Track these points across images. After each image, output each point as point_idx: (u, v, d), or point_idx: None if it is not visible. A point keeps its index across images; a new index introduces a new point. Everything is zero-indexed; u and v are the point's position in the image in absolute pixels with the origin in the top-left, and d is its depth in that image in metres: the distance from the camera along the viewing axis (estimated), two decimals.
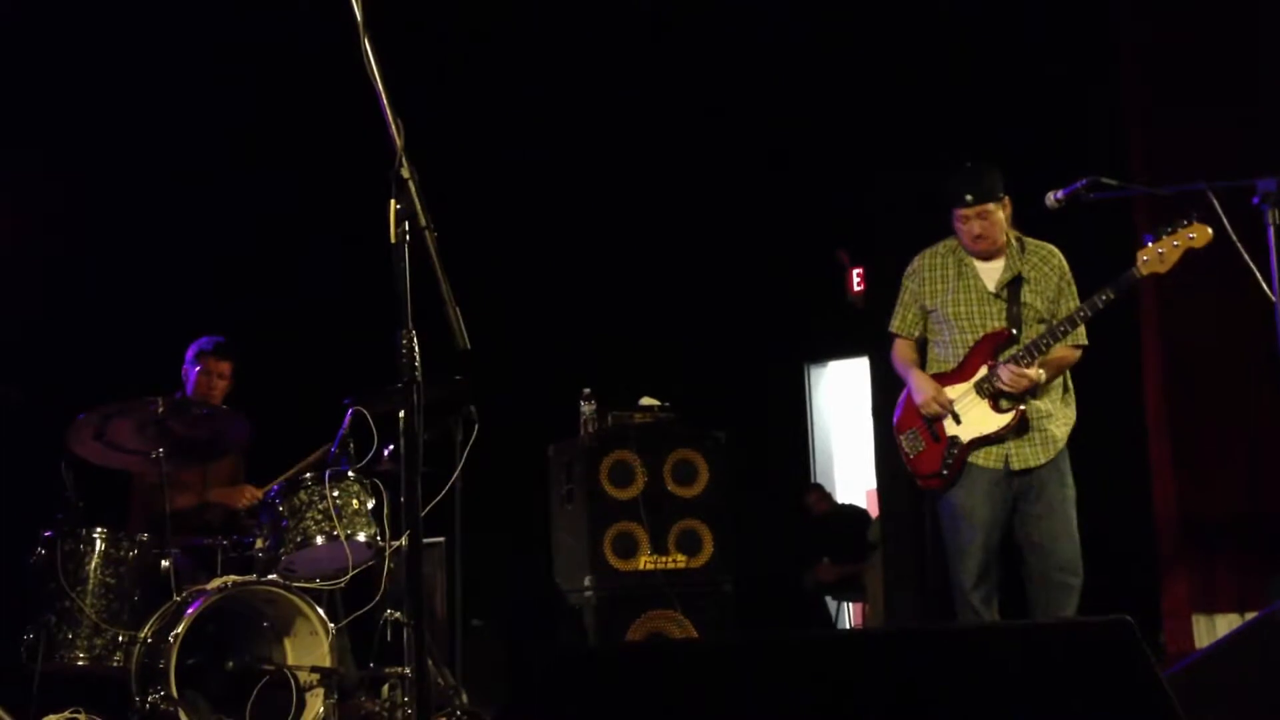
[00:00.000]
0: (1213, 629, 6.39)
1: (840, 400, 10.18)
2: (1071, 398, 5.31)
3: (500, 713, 2.84)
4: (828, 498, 9.42)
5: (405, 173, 2.90)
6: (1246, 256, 4.74)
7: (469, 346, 2.93)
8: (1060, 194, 5.07)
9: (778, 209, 8.84)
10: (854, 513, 9.24)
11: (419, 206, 2.90)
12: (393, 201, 2.90)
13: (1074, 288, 5.28)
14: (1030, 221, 5.54)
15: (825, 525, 9.15)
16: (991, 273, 5.27)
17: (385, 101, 2.92)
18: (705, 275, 8.89)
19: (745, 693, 2.49)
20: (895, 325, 5.46)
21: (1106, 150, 6.57)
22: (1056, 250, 5.33)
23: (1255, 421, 6.53)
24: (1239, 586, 6.41)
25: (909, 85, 7.67)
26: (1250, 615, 6.23)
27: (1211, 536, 6.52)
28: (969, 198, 5.18)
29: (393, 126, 2.92)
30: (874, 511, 8.85)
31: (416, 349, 2.96)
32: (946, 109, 7.45)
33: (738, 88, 8.53)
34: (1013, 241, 5.29)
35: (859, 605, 9.18)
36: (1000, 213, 5.22)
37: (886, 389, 7.56)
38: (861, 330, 8.41)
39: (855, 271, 9.03)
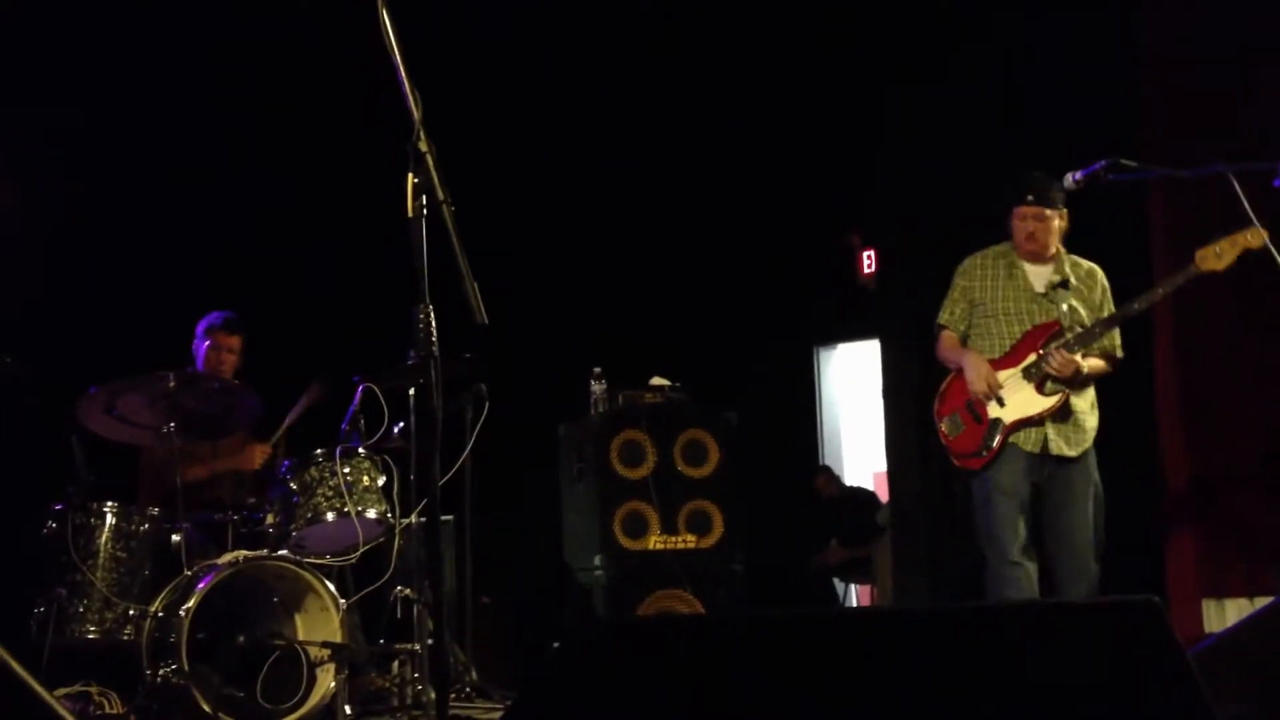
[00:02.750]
0: (1222, 614, 6.37)
1: (849, 383, 10.16)
2: (1097, 408, 5.55)
3: (521, 694, 2.81)
4: (836, 480, 9.41)
5: (423, 146, 2.87)
6: (1267, 240, 4.75)
7: (486, 322, 2.90)
8: (1079, 175, 5.14)
9: (790, 191, 8.81)
10: (862, 495, 9.23)
11: (437, 181, 2.88)
12: (410, 175, 2.88)
13: (1112, 304, 5.52)
14: None
15: (834, 508, 9.14)
16: (1039, 276, 5.54)
17: (403, 74, 2.89)
18: (716, 257, 8.86)
19: (782, 669, 2.48)
20: (944, 318, 5.71)
21: (1123, 137, 6.53)
22: (1098, 268, 5.60)
23: (1267, 405, 6.50)
24: (1248, 571, 6.38)
25: (920, 70, 7.64)
26: (1259, 600, 6.23)
27: (1221, 521, 6.49)
28: (1030, 197, 5.46)
29: (410, 99, 2.89)
30: (883, 494, 8.84)
31: (434, 324, 2.94)
32: (957, 97, 7.42)
33: (751, 70, 8.50)
34: (1062, 254, 5.55)
35: (866, 587, 9.17)
36: (1056, 221, 5.48)
37: (897, 371, 7.57)
38: (871, 312, 8.40)
39: (866, 254, 9.00)
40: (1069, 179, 5.16)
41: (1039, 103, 7.06)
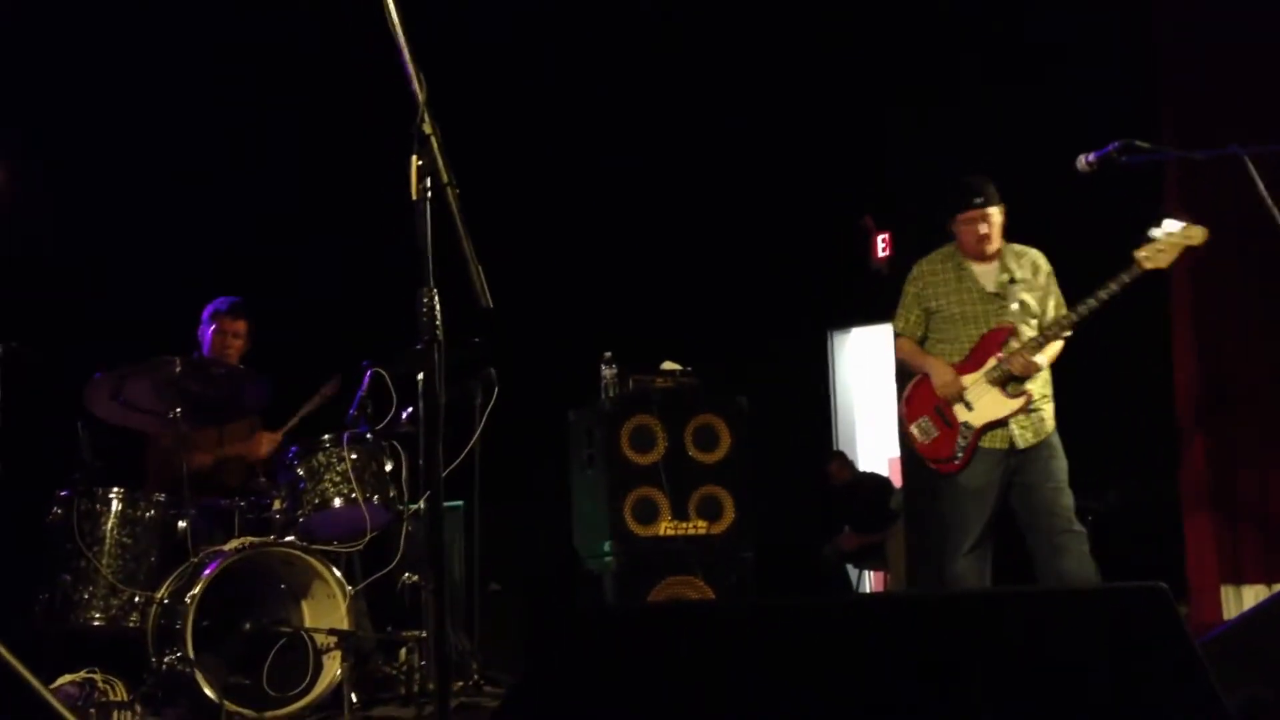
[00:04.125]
0: (1240, 600, 6.32)
1: (864, 367, 10.10)
2: (1050, 391, 5.67)
3: (520, 679, 2.78)
4: (849, 466, 9.35)
5: (427, 128, 2.81)
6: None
7: (492, 305, 2.85)
8: (1092, 157, 5.09)
9: (803, 174, 8.74)
10: (876, 481, 9.17)
11: (441, 162, 2.82)
12: (414, 157, 2.82)
13: (1056, 284, 5.69)
14: (1058, 191, 5.74)
15: (847, 494, 9.09)
16: (988, 275, 5.70)
17: (407, 55, 2.83)
18: (729, 240, 8.80)
19: (784, 656, 2.44)
20: (899, 326, 5.91)
21: (1138, 119, 6.47)
22: (1040, 253, 5.75)
23: None
24: (1267, 558, 6.33)
25: (932, 57, 7.58)
26: (1278, 587, 6.19)
27: (1239, 508, 6.44)
28: (979, 200, 5.64)
29: (414, 80, 2.83)
30: (898, 480, 8.78)
31: (438, 308, 2.88)
32: (969, 80, 7.36)
33: (763, 53, 8.43)
34: (1004, 248, 5.72)
35: (880, 574, 9.12)
36: (999, 217, 5.68)
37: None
38: (885, 297, 8.33)
39: (880, 237, 8.94)
40: (1082, 161, 5.09)
41: (1051, 85, 7.01)
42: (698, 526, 6.60)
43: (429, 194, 2.82)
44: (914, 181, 7.73)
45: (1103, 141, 5.06)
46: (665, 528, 6.56)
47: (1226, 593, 6.37)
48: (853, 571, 9.18)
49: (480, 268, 2.83)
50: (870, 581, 9.26)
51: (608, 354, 6.81)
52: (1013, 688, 2.51)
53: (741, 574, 6.60)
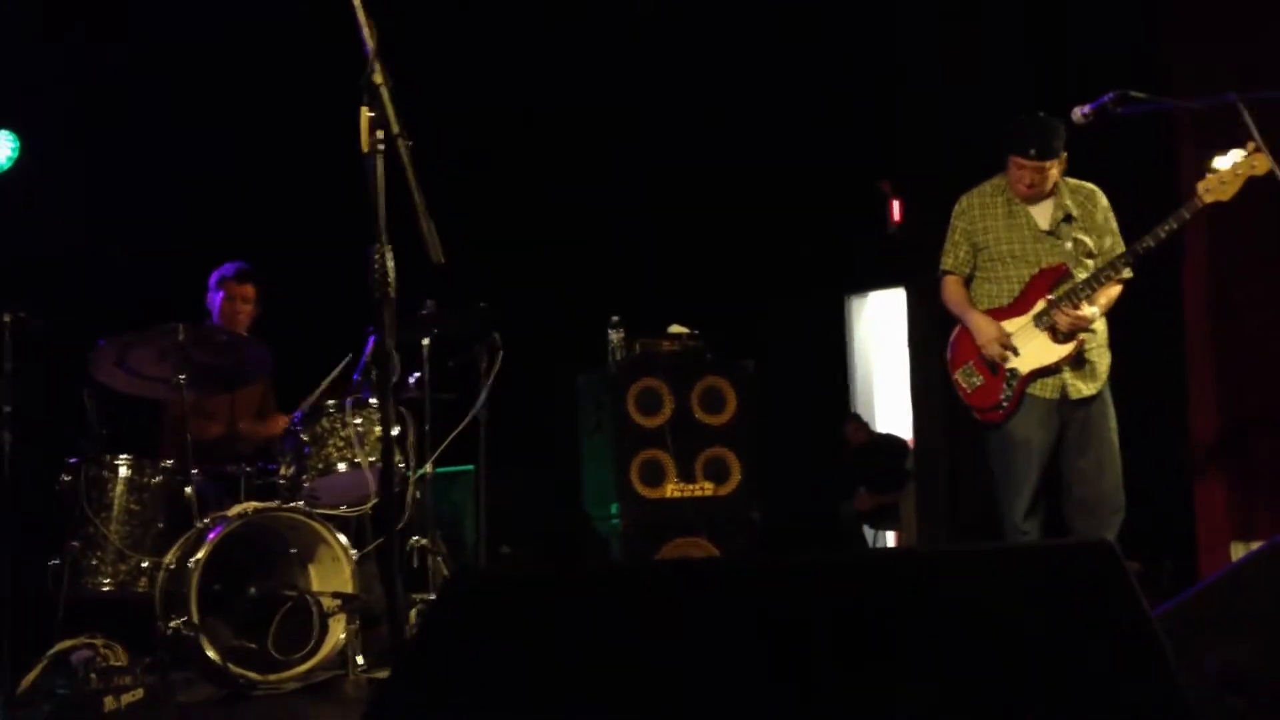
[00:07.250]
0: None
1: (881, 331, 10.08)
2: (1108, 345, 5.42)
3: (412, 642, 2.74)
4: (865, 428, 9.35)
5: (378, 79, 2.81)
6: (1274, 166, 4.69)
7: (443, 260, 2.85)
8: (1087, 109, 5.05)
9: (820, 137, 8.70)
10: (892, 442, 9.16)
11: (391, 114, 2.82)
12: (365, 109, 2.82)
13: (1115, 223, 5.39)
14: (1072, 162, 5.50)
15: (863, 455, 9.08)
16: (1042, 211, 5.38)
17: (357, 3, 2.82)
18: (748, 204, 8.77)
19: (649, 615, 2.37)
20: (947, 263, 5.54)
21: (1145, 69, 6.40)
22: (1097, 188, 5.44)
23: None
24: (1276, 514, 6.28)
25: (947, 22, 7.53)
26: None
27: (1250, 464, 6.39)
28: (1033, 152, 5.26)
29: (365, 28, 2.83)
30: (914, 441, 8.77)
31: (390, 264, 2.88)
32: (982, 51, 7.31)
33: (779, 13, 8.39)
34: (1060, 184, 5.39)
35: (896, 534, 9.12)
36: (1055, 169, 5.33)
37: (923, 321, 7.49)
38: (902, 261, 8.30)
39: (896, 202, 8.90)
40: (1077, 113, 5.03)
41: (1065, 52, 6.95)
42: (704, 488, 6.62)
43: (380, 147, 2.82)
44: (925, 146, 7.67)
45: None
46: (672, 490, 6.58)
47: (1237, 549, 6.33)
48: (869, 532, 9.18)
49: (432, 222, 2.83)
50: (888, 542, 9.25)
51: (614, 318, 6.82)
52: (949, 650, 2.41)
53: (747, 534, 6.62)
